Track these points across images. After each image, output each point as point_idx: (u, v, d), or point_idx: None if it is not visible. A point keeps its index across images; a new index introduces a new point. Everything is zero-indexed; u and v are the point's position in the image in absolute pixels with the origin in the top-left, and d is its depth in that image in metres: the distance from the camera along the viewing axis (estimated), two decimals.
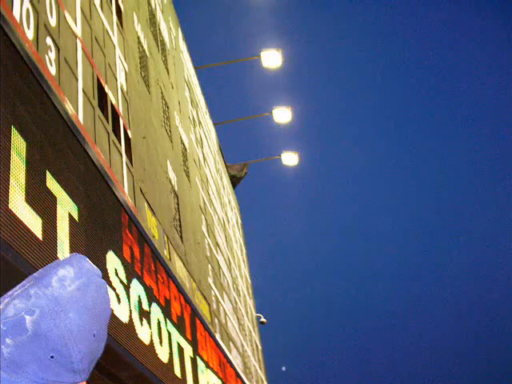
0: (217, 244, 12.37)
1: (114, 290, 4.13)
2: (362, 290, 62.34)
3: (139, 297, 4.72)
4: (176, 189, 8.53)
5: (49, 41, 4.33)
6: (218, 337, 9.30)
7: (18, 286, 0.97)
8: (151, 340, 4.80)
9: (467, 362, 53.83)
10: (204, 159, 13.08)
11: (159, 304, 5.35)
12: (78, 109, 4.67)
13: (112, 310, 3.90)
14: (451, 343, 55.19)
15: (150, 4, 9.73)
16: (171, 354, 5.40)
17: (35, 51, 3.97)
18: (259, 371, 16.57)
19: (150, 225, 6.34)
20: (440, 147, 66.53)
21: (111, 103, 5.76)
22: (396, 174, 68.39)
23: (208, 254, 10.65)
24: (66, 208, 3.50)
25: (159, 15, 10.50)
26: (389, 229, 65.00)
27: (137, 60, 7.58)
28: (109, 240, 4.24)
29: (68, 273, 0.97)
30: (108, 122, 5.53)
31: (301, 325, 60.97)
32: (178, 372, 5.54)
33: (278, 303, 57.26)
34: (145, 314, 4.77)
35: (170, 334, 5.52)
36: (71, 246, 3.45)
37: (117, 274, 4.25)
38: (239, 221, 20.86)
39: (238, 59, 19.71)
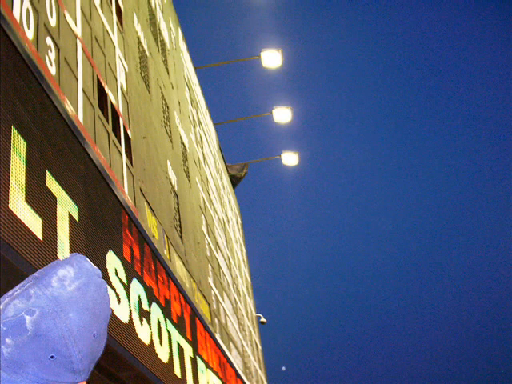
0: (217, 244, 12.37)
1: (114, 290, 4.13)
2: (361, 290, 62.36)
3: (139, 297, 4.72)
4: (176, 189, 8.53)
5: (49, 41, 4.33)
6: (218, 337, 9.29)
7: (18, 286, 0.97)
8: (151, 340, 4.80)
9: (467, 362, 53.83)
10: (204, 159, 13.08)
11: (159, 304, 5.35)
12: (77, 109, 4.67)
13: (112, 310, 3.90)
14: (451, 343, 55.20)
15: (149, 4, 9.73)
16: (171, 353, 5.40)
17: (35, 51, 3.97)
18: (259, 371, 16.57)
19: (150, 225, 6.34)
20: (440, 147, 66.55)
21: (111, 103, 5.76)
22: (396, 173, 68.42)
23: (208, 253, 10.65)
24: (66, 208, 3.50)
25: (159, 15, 10.50)
26: (389, 229, 65.03)
27: (137, 60, 7.58)
28: (109, 240, 4.24)
29: (68, 273, 0.97)
30: (108, 122, 5.53)
31: (301, 325, 60.99)
32: (177, 372, 5.54)
33: (278, 303, 57.28)
34: (145, 314, 4.77)
35: (170, 334, 5.52)
36: (71, 246, 3.45)
37: (117, 274, 4.25)
38: (239, 221, 20.86)
39: (238, 59, 19.71)
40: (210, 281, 10.21)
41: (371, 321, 59.77)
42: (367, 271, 63.15)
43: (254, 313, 18.98)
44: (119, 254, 4.40)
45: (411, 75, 67.59)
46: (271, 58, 16.38)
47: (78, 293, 0.96)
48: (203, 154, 13.12)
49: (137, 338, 4.41)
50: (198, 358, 6.71)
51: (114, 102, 5.85)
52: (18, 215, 2.88)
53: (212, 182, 13.89)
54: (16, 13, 3.79)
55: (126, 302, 4.32)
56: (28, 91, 3.35)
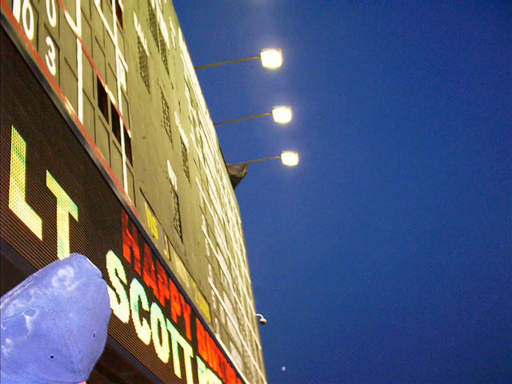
0: (217, 244, 12.37)
1: (114, 289, 4.13)
2: (361, 290, 62.36)
3: (139, 297, 4.72)
4: (176, 189, 8.53)
5: (49, 41, 4.33)
6: (218, 337, 9.29)
7: (18, 286, 0.97)
8: (151, 340, 4.80)
9: (467, 362, 53.83)
10: (204, 159, 13.08)
11: (159, 304, 5.35)
12: (77, 109, 4.67)
13: (112, 310, 3.90)
14: (451, 343, 55.19)
15: (149, 4, 9.73)
16: (171, 353, 5.40)
17: (35, 51, 3.97)
18: (259, 371, 16.57)
19: (150, 225, 6.34)
20: (440, 147, 66.55)
21: (111, 103, 5.76)
22: (396, 173, 68.42)
23: (208, 253, 10.65)
24: (66, 208, 3.50)
25: (159, 15, 10.50)
26: (389, 229, 65.02)
27: (137, 60, 7.58)
28: (109, 240, 4.24)
29: (68, 273, 0.97)
30: (108, 122, 5.53)
31: (301, 325, 60.98)
32: (177, 372, 5.54)
33: (278, 303, 57.28)
34: (145, 314, 4.77)
35: (170, 334, 5.52)
36: (71, 246, 3.45)
37: (117, 274, 4.25)
38: (239, 221, 20.86)
39: (238, 59, 19.71)
40: (210, 281, 10.21)
41: (371, 321, 59.79)
42: (367, 271, 63.17)
43: (254, 313, 18.98)
44: (119, 254, 4.40)
45: (411, 75, 67.60)
46: (271, 58, 16.38)
47: (78, 293, 0.96)
48: (203, 154, 13.12)
49: (137, 338, 4.41)
50: (198, 357, 6.72)
51: (113, 101, 5.85)
52: (18, 215, 2.88)
53: (212, 182, 13.89)
54: (16, 13, 3.79)
55: (126, 302, 4.32)
56: (28, 91, 3.35)
